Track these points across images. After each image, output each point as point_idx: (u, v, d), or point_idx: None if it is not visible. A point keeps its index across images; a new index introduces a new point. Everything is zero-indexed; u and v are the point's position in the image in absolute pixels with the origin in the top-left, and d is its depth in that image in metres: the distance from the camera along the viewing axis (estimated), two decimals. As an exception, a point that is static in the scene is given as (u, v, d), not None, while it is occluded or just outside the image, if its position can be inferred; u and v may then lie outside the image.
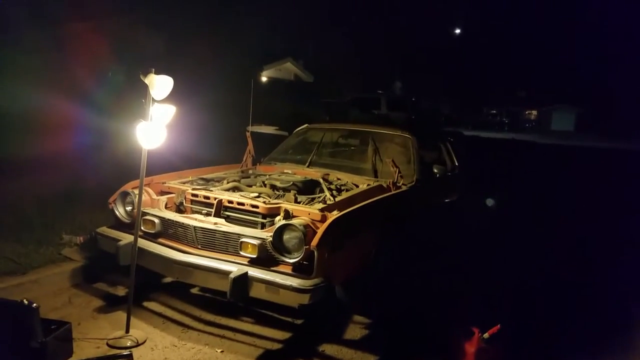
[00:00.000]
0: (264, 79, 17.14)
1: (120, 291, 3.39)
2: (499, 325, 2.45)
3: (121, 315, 2.97)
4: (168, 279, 3.54)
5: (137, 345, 2.68)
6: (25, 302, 2.35)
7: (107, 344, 2.67)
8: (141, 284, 3.19)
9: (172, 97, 2.72)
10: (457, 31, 37.37)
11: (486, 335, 2.45)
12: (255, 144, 4.37)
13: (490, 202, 4.30)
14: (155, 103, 2.64)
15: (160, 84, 2.52)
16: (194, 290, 3.46)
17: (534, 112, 42.53)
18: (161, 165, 3.78)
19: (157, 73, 2.58)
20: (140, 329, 2.85)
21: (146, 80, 2.52)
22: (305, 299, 2.51)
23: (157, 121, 2.64)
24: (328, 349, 2.77)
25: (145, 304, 3.20)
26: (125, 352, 2.56)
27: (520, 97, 43.61)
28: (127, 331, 2.77)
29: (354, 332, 3.01)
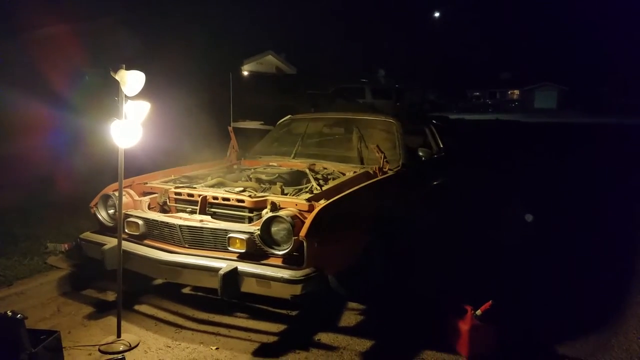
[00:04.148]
0: (245, 73, 16.94)
1: (110, 296, 3.33)
2: (490, 302, 2.45)
3: (112, 321, 2.91)
4: (158, 281, 3.50)
5: (130, 349, 2.64)
6: (10, 313, 2.28)
7: (99, 350, 2.62)
8: (131, 288, 3.15)
9: (150, 96, 2.66)
10: (437, 14, 37.35)
11: (479, 312, 2.45)
12: (241, 140, 4.31)
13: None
14: (129, 100, 2.56)
15: (131, 80, 2.44)
16: (186, 290, 3.41)
17: (517, 92, 42.87)
18: (141, 165, 3.71)
19: (129, 69, 2.51)
20: (132, 333, 2.80)
21: (117, 77, 2.44)
22: (297, 289, 2.49)
23: (131, 119, 2.57)
24: (324, 337, 2.75)
25: (137, 307, 3.15)
26: (118, 357, 2.51)
27: (504, 79, 43.92)
28: (119, 336, 2.72)
29: (349, 319, 2.99)
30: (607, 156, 9.31)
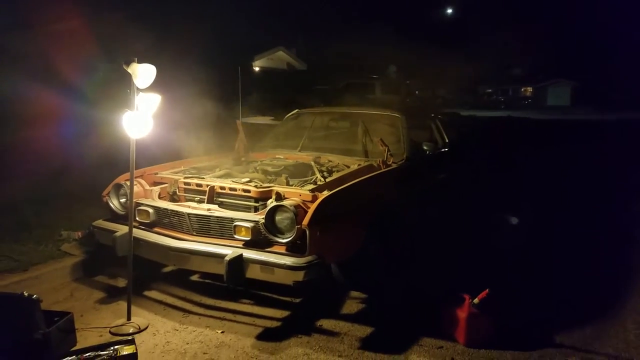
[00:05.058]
0: (256, 69, 17.06)
1: (121, 282, 3.44)
2: (487, 290, 2.51)
3: (123, 305, 3.02)
4: (167, 269, 3.61)
5: (139, 331, 2.75)
6: (26, 294, 2.40)
7: (110, 332, 2.74)
8: (141, 275, 3.25)
9: (161, 90, 2.76)
10: (450, 11, 37.05)
11: (476, 300, 2.51)
12: (251, 136, 4.40)
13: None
14: (140, 92, 2.66)
15: (143, 73, 2.54)
16: (194, 278, 3.52)
17: (530, 89, 42.35)
18: (152, 157, 3.82)
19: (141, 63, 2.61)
20: (141, 317, 2.91)
21: (129, 70, 2.54)
22: (299, 276, 2.57)
23: (142, 110, 2.67)
24: (326, 323, 2.84)
25: (146, 293, 3.26)
26: (128, 338, 2.62)
27: (516, 75, 43.39)
28: (129, 319, 2.84)
29: (351, 307, 3.07)
30: (615, 153, 9.22)
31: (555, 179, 7.05)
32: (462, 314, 2.53)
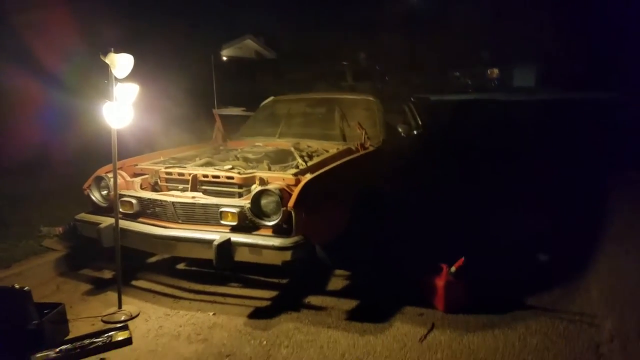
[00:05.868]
0: (224, 58, 16.80)
1: (107, 274, 3.47)
2: (463, 258, 2.69)
3: (111, 296, 3.07)
4: (153, 259, 3.65)
5: (132, 318, 2.80)
6: (17, 286, 2.42)
7: (102, 320, 2.78)
8: (127, 266, 3.27)
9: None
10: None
11: (453, 269, 2.69)
12: (225, 128, 4.42)
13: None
14: (118, 82, 2.67)
15: (121, 63, 2.55)
16: (180, 266, 3.57)
17: (496, 71, 43.27)
18: (127, 148, 3.81)
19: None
20: (132, 305, 2.96)
21: (107, 60, 2.54)
22: (287, 255, 2.67)
23: (122, 100, 2.68)
24: (313, 300, 2.97)
25: (134, 282, 3.30)
26: (121, 325, 2.67)
27: (483, 58, 44.23)
28: (120, 307, 2.88)
29: (336, 283, 3.22)
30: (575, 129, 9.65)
31: (528, 157, 7.34)
32: (440, 282, 2.71)
